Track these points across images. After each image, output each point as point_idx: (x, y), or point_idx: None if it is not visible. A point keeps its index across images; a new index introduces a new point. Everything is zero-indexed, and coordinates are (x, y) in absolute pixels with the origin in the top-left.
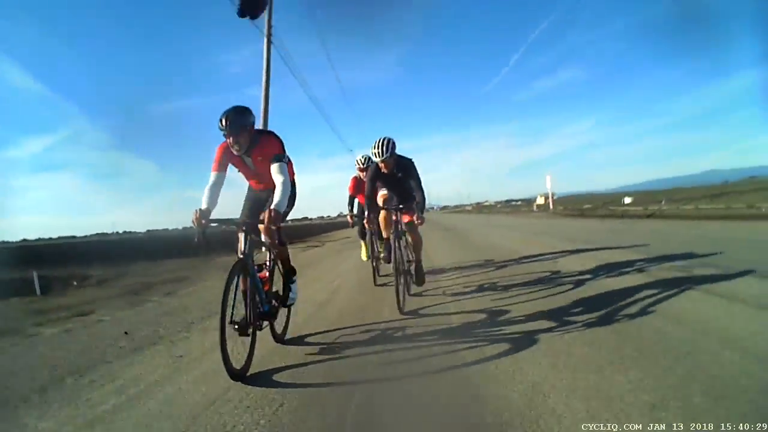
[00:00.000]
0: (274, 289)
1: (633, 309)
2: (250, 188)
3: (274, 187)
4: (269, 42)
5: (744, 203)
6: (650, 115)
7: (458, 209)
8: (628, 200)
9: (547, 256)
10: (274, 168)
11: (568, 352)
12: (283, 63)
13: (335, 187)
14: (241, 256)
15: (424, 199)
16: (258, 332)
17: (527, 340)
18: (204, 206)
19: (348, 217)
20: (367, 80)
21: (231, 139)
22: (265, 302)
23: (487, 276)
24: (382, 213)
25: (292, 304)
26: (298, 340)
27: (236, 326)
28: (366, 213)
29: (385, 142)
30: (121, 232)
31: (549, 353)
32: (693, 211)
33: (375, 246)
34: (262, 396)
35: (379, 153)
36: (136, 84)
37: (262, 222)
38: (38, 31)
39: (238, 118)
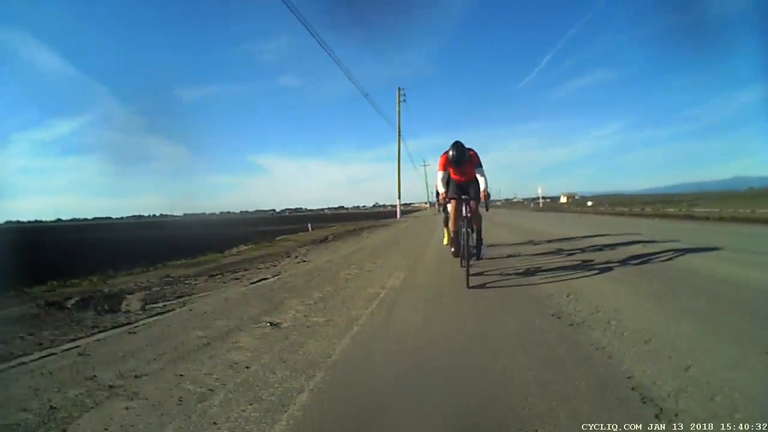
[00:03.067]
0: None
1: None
2: (452, 180)
3: (469, 179)
4: (399, 137)
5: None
6: (678, 119)
7: (490, 203)
8: (590, 203)
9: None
10: (479, 171)
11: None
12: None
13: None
14: (464, 215)
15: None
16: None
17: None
18: (444, 190)
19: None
20: (399, 76)
21: (455, 163)
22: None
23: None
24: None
25: (482, 258)
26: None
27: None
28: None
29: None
30: (157, 215)
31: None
32: (626, 210)
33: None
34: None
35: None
36: (168, 68)
37: (472, 198)
38: (69, 12)
39: (461, 154)
